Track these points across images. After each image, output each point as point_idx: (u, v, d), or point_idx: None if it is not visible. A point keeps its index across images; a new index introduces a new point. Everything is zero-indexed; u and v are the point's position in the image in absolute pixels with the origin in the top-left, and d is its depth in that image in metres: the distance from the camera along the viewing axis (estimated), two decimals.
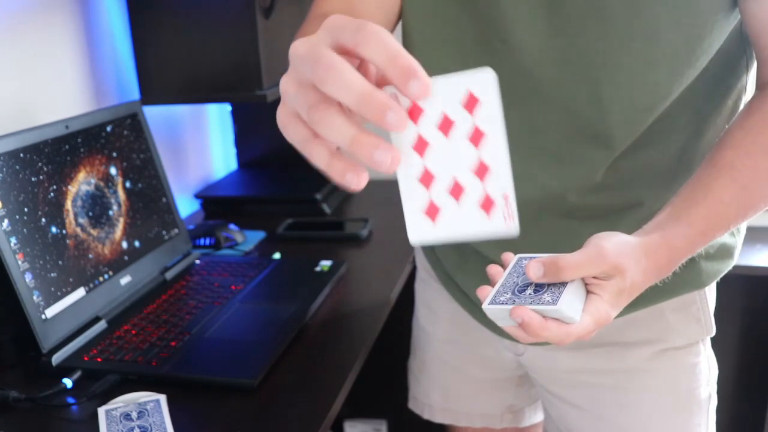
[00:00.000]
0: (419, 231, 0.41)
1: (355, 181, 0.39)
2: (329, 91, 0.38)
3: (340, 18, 0.39)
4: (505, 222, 0.39)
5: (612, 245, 0.61)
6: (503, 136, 0.39)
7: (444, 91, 0.39)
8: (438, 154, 0.40)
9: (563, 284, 0.60)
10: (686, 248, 0.67)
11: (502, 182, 0.39)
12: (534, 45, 0.72)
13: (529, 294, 0.61)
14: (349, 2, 0.75)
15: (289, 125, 0.41)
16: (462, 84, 0.39)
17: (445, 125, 0.40)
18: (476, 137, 0.39)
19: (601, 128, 0.74)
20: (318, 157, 0.40)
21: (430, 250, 0.98)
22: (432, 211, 0.41)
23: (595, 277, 0.61)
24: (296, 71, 0.40)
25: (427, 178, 0.41)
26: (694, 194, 0.68)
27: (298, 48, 0.40)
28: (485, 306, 0.62)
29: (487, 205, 0.40)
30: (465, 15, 0.75)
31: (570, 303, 0.59)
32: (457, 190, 0.40)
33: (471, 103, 0.39)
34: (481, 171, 0.40)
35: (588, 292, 0.62)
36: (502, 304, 0.61)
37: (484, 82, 0.39)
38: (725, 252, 0.83)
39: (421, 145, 0.41)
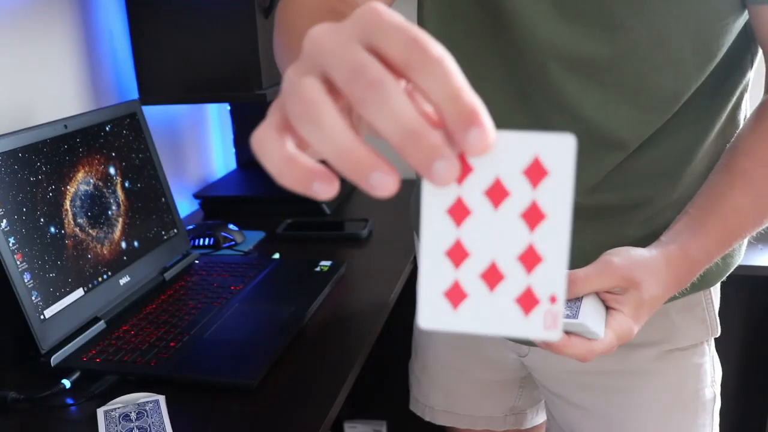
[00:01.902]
0: (434, 316, 0.31)
1: (325, 190, 0.30)
2: (368, 113, 0.28)
3: (382, 11, 0.29)
4: (546, 329, 0.30)
5: (621, 259, 0.62)
6: (569, 223, 0.30)
7: (505, 149, 0.30)
8: (479, 227, 0.31)
9: (578, 299, 0.61)
10: (704, 258, 0.68)
11: (553, 280, 0.30)
12: (541, 49, 0.71)
13: None
14: None
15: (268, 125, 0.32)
16: (531, 146, 0.30)
17: (496, 193, 0.30)
18: (533, 217, 0.30)
19: (610, 132, 0.73)
20: (270, 154, 0.32)
21: None
22: (455, 295, 0.31)
23: (610, 293, 0.62)
24: (310, 64, 0.30)
25: (457, 254, 0.31)
26: (710, 203, 0.68)
27: (321, 37, 0.30)
28: None
29: (528, 302, 0.31)
30: (476, 12, 0.75)
31: (590, 316, 0.59)
32: (493, 277, 0.31)
33: (536, 172, 0.30)
34: (530, 260, 0.31)
35: (608, 308, 0.63)
36: None
37: (560, 149, 0.30)
38: (730, 251, 0.83)
39: (459, 212, 0.31)
